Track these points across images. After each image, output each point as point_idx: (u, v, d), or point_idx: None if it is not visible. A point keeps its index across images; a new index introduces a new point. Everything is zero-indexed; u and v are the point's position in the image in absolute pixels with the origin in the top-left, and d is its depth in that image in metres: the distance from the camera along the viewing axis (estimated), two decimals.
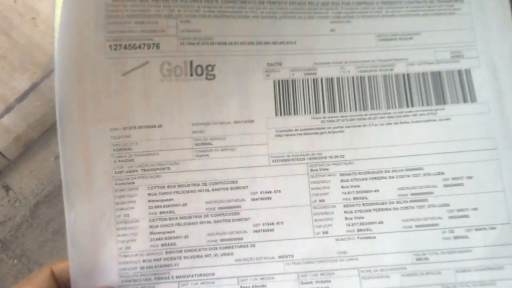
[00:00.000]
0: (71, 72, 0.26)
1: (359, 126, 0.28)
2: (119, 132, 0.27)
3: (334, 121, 0.28)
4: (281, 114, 0.28)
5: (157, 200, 0.27)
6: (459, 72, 0.29)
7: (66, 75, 0.26)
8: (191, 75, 0.28)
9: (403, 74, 0.29)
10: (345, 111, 0.28)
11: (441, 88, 0.29)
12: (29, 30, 0.37)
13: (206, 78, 0.28)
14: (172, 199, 0.27)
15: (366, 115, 0.28)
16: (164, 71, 0.27)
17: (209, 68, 0.28)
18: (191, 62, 0.28)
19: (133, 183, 0.27)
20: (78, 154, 0.26)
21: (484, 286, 0.26)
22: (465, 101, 0.28)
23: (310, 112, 0.28)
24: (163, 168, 0.27)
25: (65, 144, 0.26)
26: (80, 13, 0.26)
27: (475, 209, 0.27)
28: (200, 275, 0.26)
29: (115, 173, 0.27)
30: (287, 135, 0.28)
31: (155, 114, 0.27)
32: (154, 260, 0.26)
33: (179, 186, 0.27)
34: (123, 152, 0.27)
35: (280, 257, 0.27)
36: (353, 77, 0.29)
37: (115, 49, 0.27)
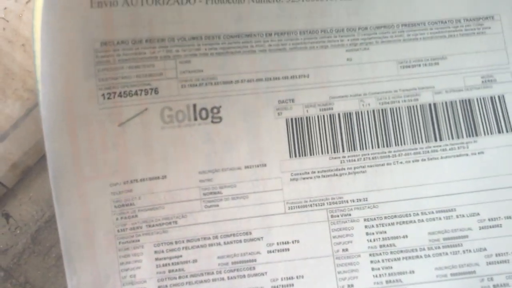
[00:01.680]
0: (61, 127, 0.24)
1: (383, 165, 0.26)
2: (120, 187, 0.25)
3: (354, 160, 0.26)
4: (296, 156, 0.26)
5: (165, 258, 0.25)
6: (492, 98, 0.27)
7: (56, 130, 0.24)
8: (195, 119, 0.26)
9: (430, 104, 0.27)
10: (366, 148, 0.26)
11: (472, 118, 0.26)
12: (20, 57, 0.36)
13: (212, 122, 0.26)
14: (181, 256, 0.25)
15: (390, 152, 0.26)
16: (165, 118, 0.25)
17: (215, 110, 0.26)
18: (194, 106, 0.26)
19: (138, 240, 0.25)
20: (76, 215, 0.25)
21: None
22: (499, 131, 0.26)
23: (327, 152, 0.26)
24: (170, 223, 0.26)
25: (61, 205, 0.24)
26: (65, 61, 0.24)
27: None
28: None
29: (118, 231, 0.25)
30: (304, 178, 0.26)
31: (158, 165, 0.25)
32: None
33: (188, 241, 0.26)
34: (125, 208, 0.25)
35: None
36: (373, 110, 0.26)
37: (108, 98, 0.25)
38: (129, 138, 0.25)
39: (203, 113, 0.26)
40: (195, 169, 0.26)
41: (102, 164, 0.25)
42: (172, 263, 0.25)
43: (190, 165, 0.26)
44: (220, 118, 0.26)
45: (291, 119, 0.26)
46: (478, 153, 0.26)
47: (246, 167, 0.26)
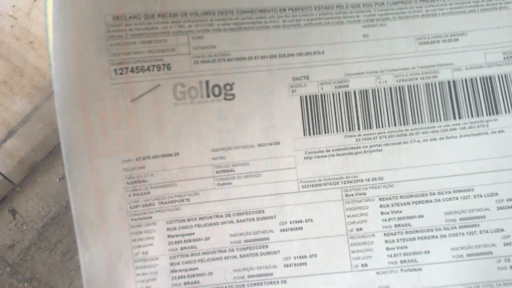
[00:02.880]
0: (74, 102, 0.25)
1: (399, 143, 0.26)
2: (132, 164, 0.25)
3: (370, 138, 0.26)
4: (310, 134, 0.26)
5: (177, 235, 0.26)
6: None
7: (69, 105, 0.25)
8: (208, 96, 0.26)
9: (449, 82, 0.26)
10: (382, 127, 0.26)
11: (493, 95, 0.26)
12: (27, 54, 0.37)
13: (225, 99, 0.26)
14: (193, 233, 0.26)
15: (407, 130, 0.26)
16: (178, 94, 0.26)
17: (228, 87, 0.26)
18: (207, 82, 0.26)
19: (151, 217, 0.26)
20: (89, 190, 0.25)
21: None
22: None
23: (342, 130, 0.26)
24: (182, 200, 0.26)
25: (74, 180, 0.25)
26: (77, 36, 0.25)
27: None
28: None
29: (130, 208, 0.26)
30: (318, 157, 0.26)
31: (170, 142, 0.26)
32: None
33: (200, 218, 0.26)
34: (137, 185, 0.26)
35: None
36: (390, 88, 0.26)
37: (121, 73, 0.25)
38: (141, 114, 0.25)
39: (216, 90, 0.26)
40: (207, 147, 0.26)
41: (115, 140, 0.25)
42: (185, 240, 0.26)
43: (202, 142, 0.26)
44: (233, 95, 0.26)
45: (305, 96, 0.26)
46: (499, 131, 0.26)
47: (259, 145, 0.26)
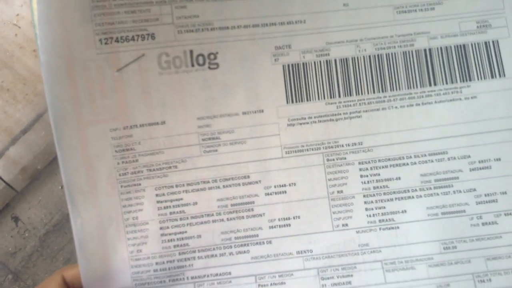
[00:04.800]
0: (60, 72, 0.25)
1: (378, 109, 0.27)
2: (120, 132, 0.27)
3: (350, 105, 0.27)
4: (292, 102, 0.27)
5: (166, 201, 0.27)
6: (486, 44, 0.28)
7: (55, 75, 0.25)
8: (192, 65, 0.27)
9: (425, 50, 0.28)
10: (362, 94, 0.27)
11: (467, 62, 0.28)
12: (30, 62, 0.37)
13: (209, 68, 0.27)
14: (181, 199, 0.27)
15: (385, 97, 0.27)
16: (163, 64, 0.27)
17: (212, 56, 0.27)
18: (191, 52, 0.27)
19: (139, 184, 0.27)
20: (78, 158, 0.26)
21: None
22: (492, 76, 0.27)
23: (324, 98, 0.27)
24: (170, 167, 0.27)
25: (63, 149, 0.26)
26: (61, 5, 0.25)
27: (504, 193, 0.27)
28: (216, 274, 0.27)
29: (120, 175, 0.27)
30: (300, 123, 0.27)
31: (156, 111, 0.27)
32: (167, 262, 0.27)
33: (188, 184, 0.27)
34: (126, 153, 0.27)
35: (298, 252, 0.27)
36: (369, 56, 0.28)
37: (106, 43, 0.26)
38: (127, 83, 0.26)
39: (200, 59, 0.27)
40: (193, 115, 0.27)
41: (102, 109, 0.26)
42: (173, 206, 0.27)
43: (188, 111, 0.27)
44: (217, 64, 0.27)
45: (288, 65, 0.27)
46: (471, 97, 0.27)
47: (244, 113, 0.27)
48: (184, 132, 0.27)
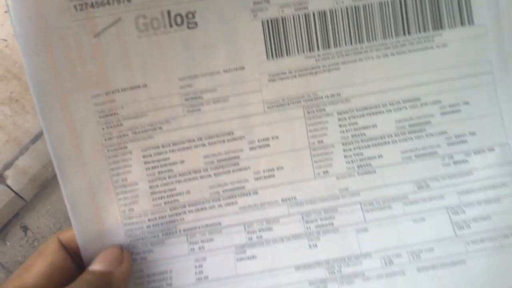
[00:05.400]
0: (37, 41, 0.26)
1: (355, 61, 0.29)
2: (102, 98, 0.27)
3: (329, 58, 0.28)
4: (273, 57, 0.28)
5: (153, 161, 0.28)
6: None
7: (32, 46, 0.26)
8: (171, 26, 0.27)
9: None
10: (340, 46, 0.29)
11: (439, 11, 0.29)
12: None
13: (188, 28, 0.27)
14: (168, 158, 0.28)
15: (362, 48, 0.29)
16: (140, 26, 0.27)
17: (190, 16, 0.27)
18: (168, 12, 0.27)
19: (126, 147, 0.28)
20: (62, 127, 0.27)
21: (489, 204, 0.30)
22: (462, 23, 0.29)
23: (303, 51, 0.28)
24: (155, 129, 0.28)
25: (46, 119, 0.27)
26: None
27: (473, 133, 0.29)
28: (207, 226, 0.29)
29: (105, 140, 0.28)
30: (281, 78, 0.28)
31: (137, 74, 0.27)
32: (159, 218, 0.29)
33: (173, 144, 0.28)
34: (109, 118, 0.27)
35: (283, 200, 0.29)
36: (347, 8, 0.28)
37: (81, 9, 0.26)
38: (106, 49, 0.26)
39: (178, 19, 0.27)
40: (174, 76, 0.28)
41: (82, 77, 0.27)
42: (161, 165, 0.28)
43: (169, 72, 0.27)
44: (196, 24, 0.27)
45: (267, 20, 0.28)
46: (442, 45, 0.29)
47: (225, 71, 0.28)
48: (166, 93, 0.28)
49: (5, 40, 0.37)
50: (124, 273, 0.28)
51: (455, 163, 0.30)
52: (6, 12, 0.37)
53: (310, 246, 0.29)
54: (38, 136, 0.37)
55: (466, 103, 0.30)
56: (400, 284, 0.29)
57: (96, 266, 0.27)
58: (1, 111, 0.37)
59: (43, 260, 0.27)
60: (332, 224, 0.30)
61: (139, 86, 0.28)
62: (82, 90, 0.27)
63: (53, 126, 0.27)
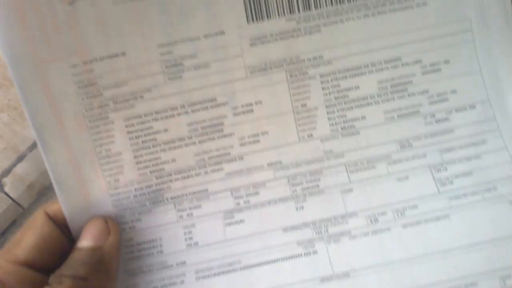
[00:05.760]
0: (8, 12, 0.25)
1: (336, 22, 0.29)
2: (80, 68, 0.27)
3: (310, 20, 0.28)
4: (253, 20, 0.28)
5: (136, 131, 0.28)
6: None
7: (3, 16, 0.25)
8: None
9: None
10: (321, 7, 0.28)
11: None
12: None
13: None
14: (152, 127, 0.28)
15: (342, 9, 0.29)
16: None
17: None
18: None
19: (107, 117, 0.28)
20: (41, 99, 0.27)
21: (470, 161, 0.30)
22: None
23: (284, 14, 0.28)
24: (136, 98, 0.28)
25: (24, 92, 0.26)
26: None
27: (454, 91, 0.30)
28: (194, 193, 0.29)
29: (86, 111, 0.27)
30: (262, 42, 0.28)
31: (115, 42, 0.27)
32: (146, 187, 0.29)
33: (156, 113, 0.28)
34: (89, 88, 0.27)
35: (269, 165, 0.30)
36: None
37: None
38: (81, 17, 0.26)
39: None
40: (153, 43, 0.27)
41: (58, 46, 0.26)
42: (144, 135, 0.28)
43: (147, 39, 0.27)
44: None
45: None
46: (422, 4, 0.29)
47: (205, 36, 0.28)
48: (146, 61, 0.27)
49: None
50: (114, 244, 0.28)
51: (437, 121, 0.31)
52: None
53: (297, 208, 0.30)
54: (36, 144, 0.38)
55: (447, 61, 0.30)
56: (386, 240, 0.30)
57: (84, 243, 0.27)
58: (0, 119, 0.37)
59: (33, 233, 0.27)
60: (318, 186, 0.30)
61: (117, 55, 0.27)
62: (59, 60, 0.27)
63: (31, 97, 0.27)
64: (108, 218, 0.29)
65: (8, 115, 0.37)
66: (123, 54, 0.27)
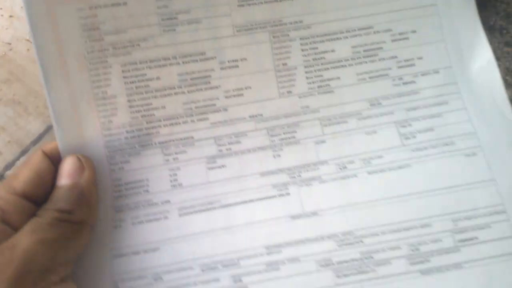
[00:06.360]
0: None
1: None
2: (86, 12, 0.30)
3: None
4: None
5: (131, 76, 0.31)
6: None
7: None
8: None
9: None
10: None
11: None
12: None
13: None
14: (145, 74, 0.31)
15: None
16: None
17: None
18: None
19: (106, 61, 0.31)
20: (49, 37, 0.30)
21: (433, 118, 0.33)
22: None
23: None
24: (133, 45, 0.31)
25: (35, 27, 0.30)
26: None
27: (420, 58, 0.33)
28: (180, 139, 0.32)
29: (87, 53, 0.30)
30: (249, 4, 0.32)
31: None
32: (136, 130, 0.31)
33: (150, 61, 0.31)
34: (92, 32, 0.30)
35: (250, 117, 0.32)
36: None
37: None
38: None
39: None
40: None
41: None
42: (138, 80, 0.31)
43: None
44: None
45: None
46: None
47: None
48: (144, 12, 0.31)
49: (9, 44, 0.40)
50: (90, 178, 0.30)
51: (404, 83, 0.34)
52: (11, 16, 0.40)
53: (274, 156, 0.32)
54: (39, 138, 0.40)
55: (414, 31, 0.34)
56: (353, 184, 0.32)
57: (62, 181, 0.29)
58: (5, 113, 0.40)
59: (29, 168, 0.29)
60: (294, 137, 0.33)
61: (119, 4, 0.31)
62: (68, 3, 0.30)
63: (40, 34, 0.30)
64: (80, 155, 0.30)
65: (13, 109, 0.40)
66: (125, 3, 0.31)
